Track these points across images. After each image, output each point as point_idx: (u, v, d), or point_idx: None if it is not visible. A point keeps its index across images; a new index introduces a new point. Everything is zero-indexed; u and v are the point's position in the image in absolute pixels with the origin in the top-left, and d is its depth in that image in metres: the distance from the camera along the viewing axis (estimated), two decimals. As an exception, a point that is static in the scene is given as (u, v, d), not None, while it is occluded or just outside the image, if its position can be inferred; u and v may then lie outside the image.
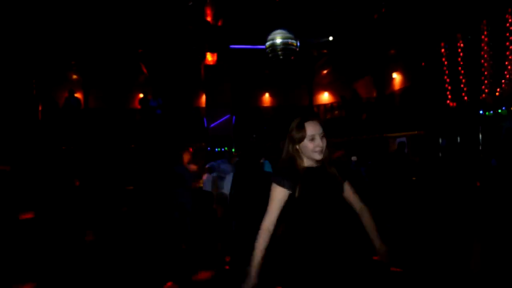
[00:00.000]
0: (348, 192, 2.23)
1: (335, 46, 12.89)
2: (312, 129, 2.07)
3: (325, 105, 16.38)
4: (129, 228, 7.43)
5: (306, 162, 2.12)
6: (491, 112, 9.34)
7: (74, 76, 15.41)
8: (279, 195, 2.05)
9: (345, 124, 13.73)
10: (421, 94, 11.88)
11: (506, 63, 8.95)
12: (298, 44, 7.21)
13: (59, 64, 14.24)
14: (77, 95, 14.27)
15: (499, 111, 9.07)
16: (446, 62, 11.10)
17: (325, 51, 14.00)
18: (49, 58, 13.28)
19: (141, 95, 14.49)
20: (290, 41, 7.03)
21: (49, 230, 6.79)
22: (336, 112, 15.48)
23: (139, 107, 14.24)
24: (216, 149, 13.79)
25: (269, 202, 2.09)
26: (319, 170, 2.13)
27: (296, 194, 2.03)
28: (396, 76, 14.43)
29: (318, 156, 2.07)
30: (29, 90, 13.51)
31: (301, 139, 2.07)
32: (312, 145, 2.05)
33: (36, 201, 8.00)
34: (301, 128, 2.07)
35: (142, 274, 4.78)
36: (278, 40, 7.02)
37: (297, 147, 2.10)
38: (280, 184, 2.05)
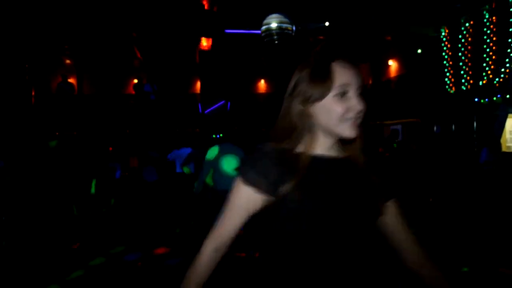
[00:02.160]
0: (392, 216, 1.17)
1: (331, 32, 12.79)
2: (346, 77, 1.07)
3: (320, 92, 16.32)
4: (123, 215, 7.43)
5: (320, 145, 1.12)
6: (487, 100, 9.35)
7: (68, 61, 15.23)
8: (244, 198, 1.10)
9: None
10: (417, 81, 11.88)
11: (508, 50, 8.92)
12: (294, 28, 7.15)
13: (52, 48, 14.06)
14: (71, 80, 14.13)
15: (494, 99, 9.08)
16: (443, 49, 11.08)
17: (321, 37, 13.90)
18: (41, 42, 13.10)
19: (136, 81, 14.37)
20: (286, 25, 6.97)
21: (46, 222, 6.78)
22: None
23: (133, 92, 14.14)
24: (212, 136, 13.74)
25: (225, 207, 1.14)
26: (341, 164, 1.13)
27: (288, 203, 1.05)
28: (392, 64, 14.40)
29: (349, 132, 1.08)
30: (22, 75, 13.36)
31: (322, 96, 1.06)
32: (341, 108, 1.06)
33: (32, 192, 7.96)
34: (325, 74, 1.06)
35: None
36: (274, 24, 6.95)
37: (310, 110, 1.10)
38: (250, 181, 1.08)
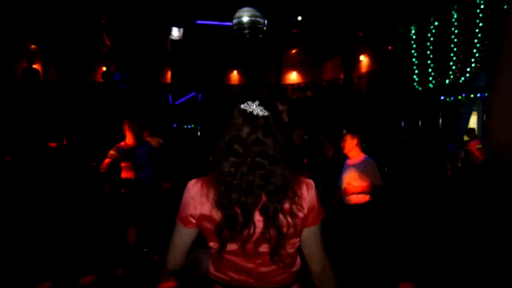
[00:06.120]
0: None
1: (304, 26, 12.81)
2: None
3: (292, 85, 16.38)
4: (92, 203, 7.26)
5: None
6: (452, 98, 9.62)
7: (33, 46, 14.65)
8: None
9: (312, 104, 13.78)
10: (388, 77, 12.08)
11: (474, 50, 9.16)
12: (266, 23, 7.10)
13: (16, 33, 13.48)
14: (36, 66, 13.62)
15: (459, 97, 9.35)
16: (412, 47, 11.28)
17: (294, 30, 13.90)
18: (5, 26, 12.53)
19: (104, 68, 13.97)
20: (257, 19, 6.90)
21: (10, 204, 6.56)
22: (308, 92, 15.47)
23: (101, 80, 13.75)
24: (183, 126, 13.59)
25: None
26: None
27: None
28: (364, 59, 14.57)
29: None
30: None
31: None
32: None
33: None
34: None
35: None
36: (245, 19, 6.87)
37: None
38: None
